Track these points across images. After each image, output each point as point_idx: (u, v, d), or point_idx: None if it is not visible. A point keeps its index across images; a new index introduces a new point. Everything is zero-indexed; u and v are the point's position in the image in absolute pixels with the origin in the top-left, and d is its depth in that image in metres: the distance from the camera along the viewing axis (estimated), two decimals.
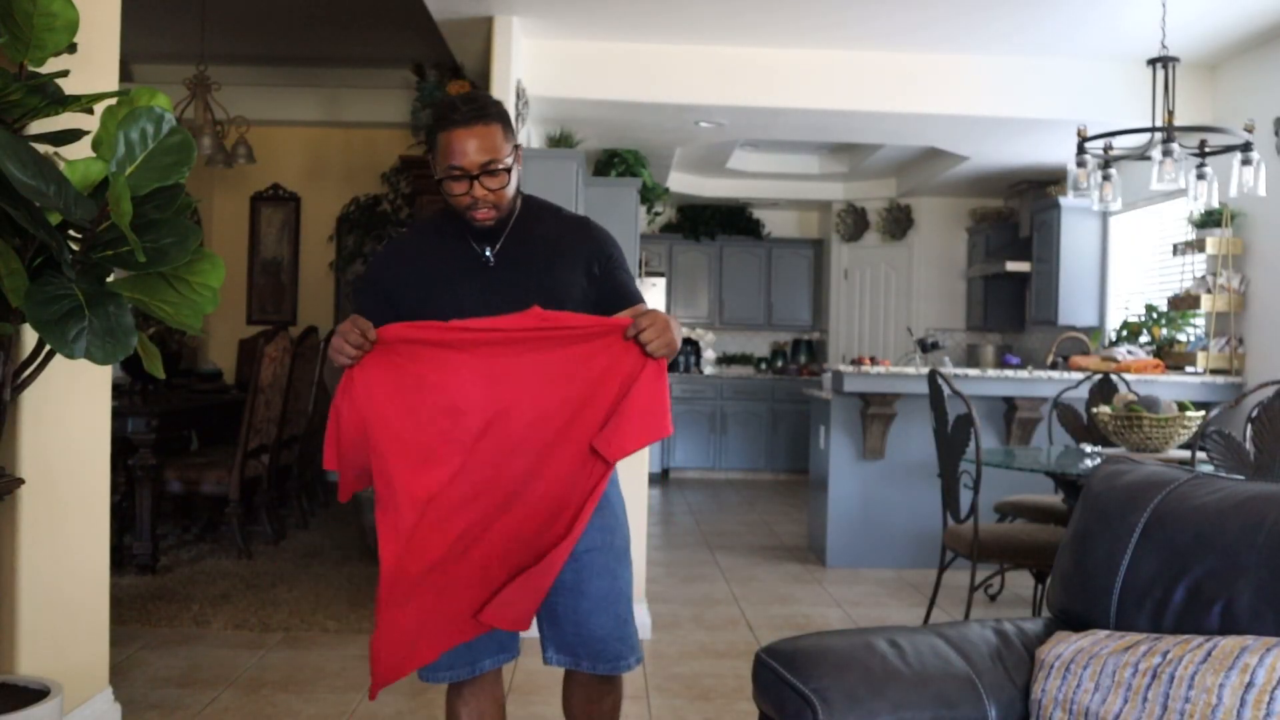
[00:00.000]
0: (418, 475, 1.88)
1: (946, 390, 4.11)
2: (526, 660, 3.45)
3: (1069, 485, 3.96)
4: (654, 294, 9.18)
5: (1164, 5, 4.49)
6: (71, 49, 2.18)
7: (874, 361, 5.96)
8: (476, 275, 2.04)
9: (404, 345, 1.90)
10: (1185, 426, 3.81)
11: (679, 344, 1.91)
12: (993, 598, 5.12)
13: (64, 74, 2.18)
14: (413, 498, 1.87)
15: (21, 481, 2.51)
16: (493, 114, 1.94)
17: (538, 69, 5.52)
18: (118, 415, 4.07)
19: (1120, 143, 4.70)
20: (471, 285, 2.03)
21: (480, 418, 1.89)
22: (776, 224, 10.17)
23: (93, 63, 2.74)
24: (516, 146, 2.00)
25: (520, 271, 2.05)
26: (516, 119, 5.02)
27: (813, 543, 6.15)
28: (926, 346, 7.03)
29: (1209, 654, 1.56)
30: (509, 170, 1.97)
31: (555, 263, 2.07)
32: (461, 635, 1.95)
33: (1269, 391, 3.56)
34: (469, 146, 1.91)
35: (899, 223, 9.26)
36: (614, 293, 2.11)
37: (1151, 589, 1.80)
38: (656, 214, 9.52)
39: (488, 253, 2.05)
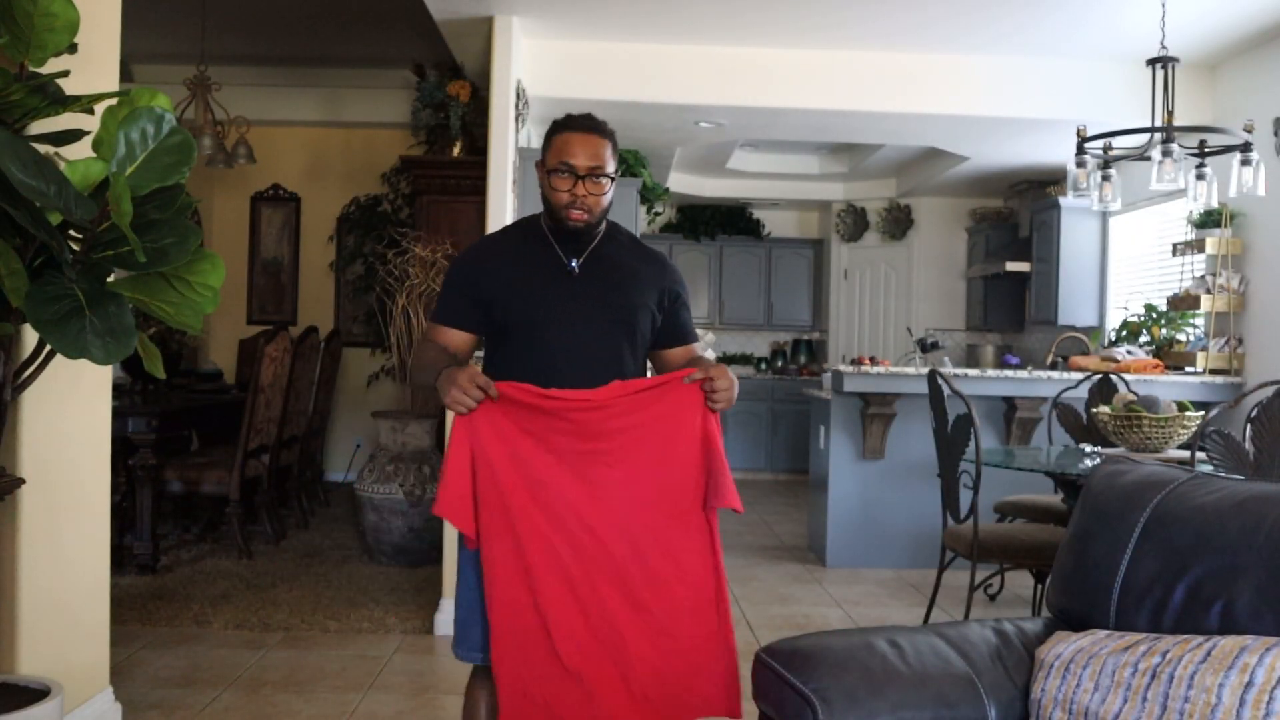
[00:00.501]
0: (521, 519, 2.03)
1: (946, 390, 4.11)
2: None
3: (1069, 485, 3.96)
4: None
5: (1164, 5, 4.48)
6: (72, 49, 2.18)
7: (874, 361, 5.97)
8: (562, 282, 2.21)
9: (507, 401, 2.04)
10: (1185, 426, 3.81)
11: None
12: (992, 598, 5.12)
13: (64, 74, 2.18)
14: (519, 536, 2.03)
15: (22, 481, 2.51)
16: (606, 132, 2.18)
17: (538, 69, 5.52)
18: (118, 415, 4.07)
19: (1120, 143, 4.70)
20: (558, 291, 2.20)
21: (576, 472, 2.05)
22: (776, 224, 10.17)
23: (93, 63, 2.74)
24: (617, 172, 2.19)
25: (601, 285, 2.22)
26: (516, 119, 5.01)
27: (813, 543, 6.15)
28: (926, 346, 7.03)
29: (1208, 654, 1.56)
30: (610, 181, 2.16)
31: (632, 284, 2.25)
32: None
33: (1268, 391, 3.56)
34: (581, 149, 2.12)
35: (899, 223, 9.25)
36: (675, 327, 2.32)
37: (1151, 589, 1.80)
38: (656, 214, 9.52)
39: (574, 263, 2.22)
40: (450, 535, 4.31)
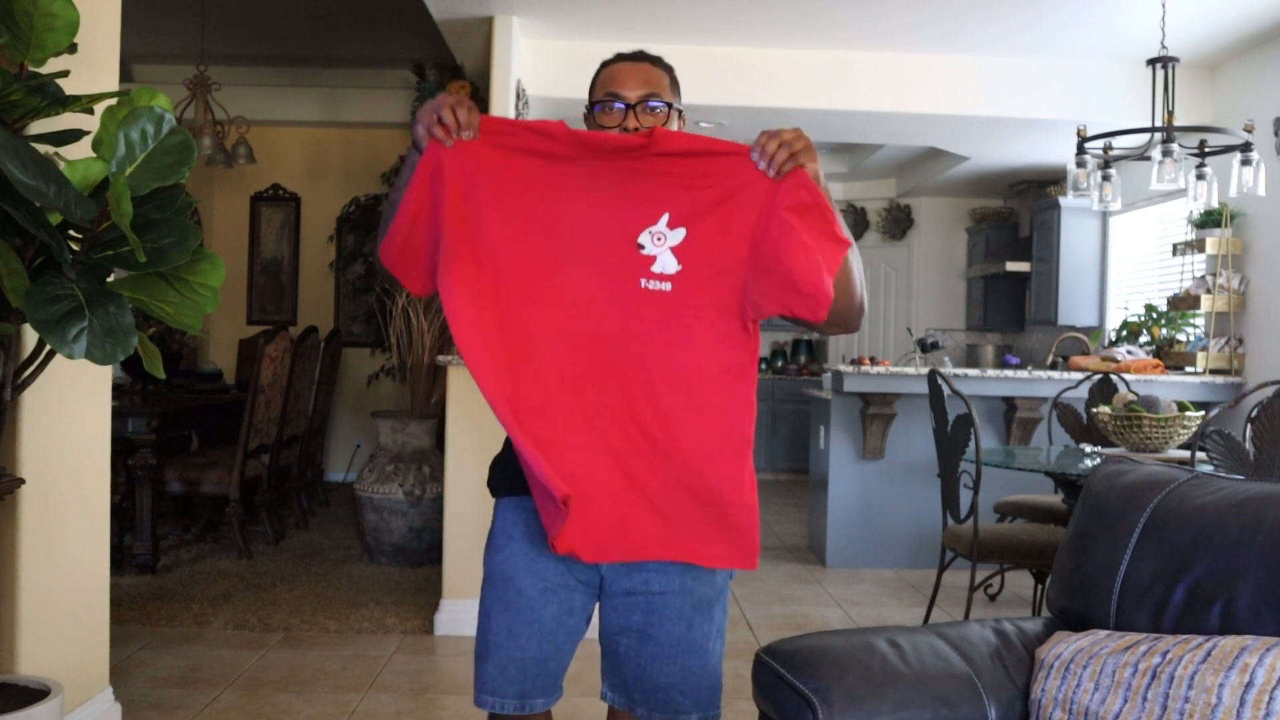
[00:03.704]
0: (516, 290, 1.61)
1: (946, 390, 4.11)
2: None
3: (1069, 485, 3.96)
4: None
5: (1164, 5, 4.49)
6: (72, 49, 2.18)
7: (874, 361, 5.97)
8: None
9: (501, 149, 1.62)
10: (1185, 426, 3.81)
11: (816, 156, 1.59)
12: (993, 598, 5.12)
13: (64, 74, 2.18)
14: (512, 309, 1.62)
15: (21, 481, 2.50)
16: (663, 65, 1.83)
17: (538, 69, 5.52)
18: (118, 415, 4.07)
19: (1120, 143, 4.70)
20: None
21: (590, 236, 1.61)
22: None
23: (93, 63, 2.74)
24: (680, 112, 1.81)
25: None
26: (516, 119, 5.02)
27: (813, 543, 6.15)
28: (926, 346, 7.03)
29: (1209, 654, 1.56)
30: (668, 114, 1.76)
31: None
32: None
33: (1269, 391, 3.56)
34: (631, 78, 1.77)
35: (899, 223, 9.26)
36: None
37: (1151, 589, 1.80)
38: None
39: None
40: (452, 535, 4.30)
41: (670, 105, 1.77)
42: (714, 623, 1.80)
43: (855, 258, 1.73)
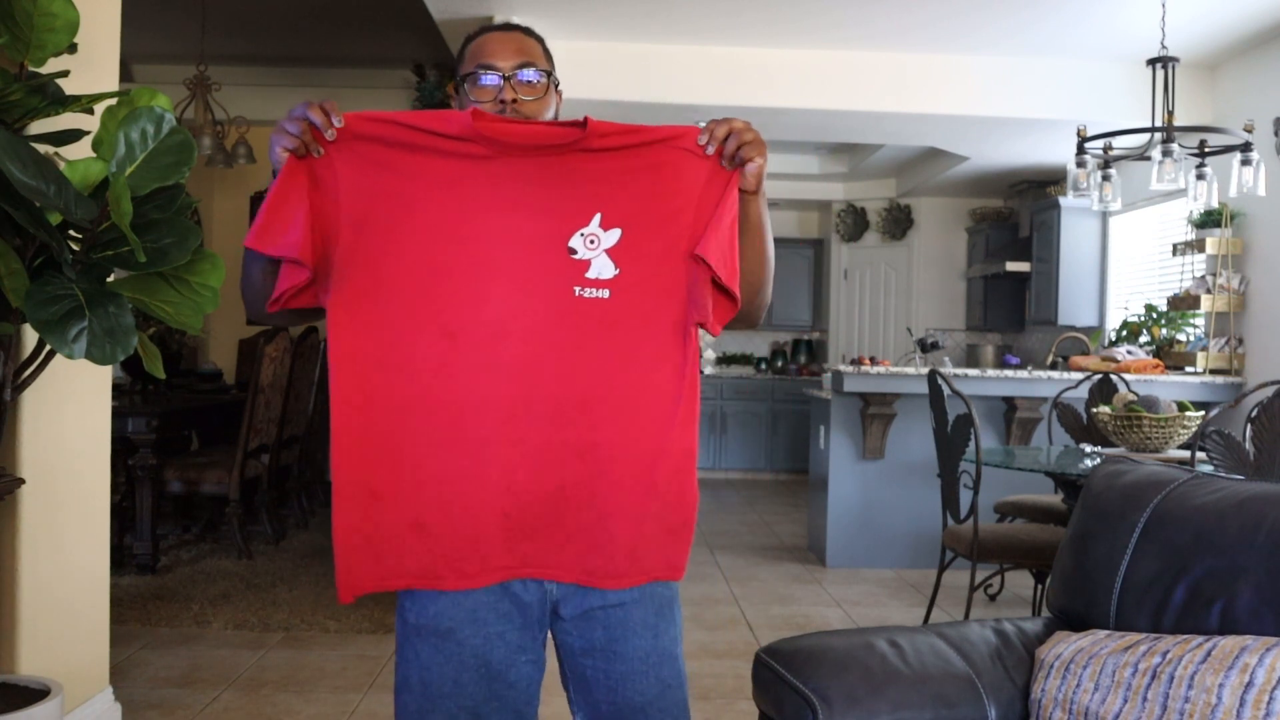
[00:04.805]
0: (429, 324, 1.42)
1: (946, 390, 4.11)
2: None
3: (1069, 485, 3.96)
4: None
5: (1164, 5, 4.49)
6: (72, 49, 2.18)
7: (874, 361, 5.97)
8: None
9: (392, 148, 1.41)
10: (1185, 426, 3.81)
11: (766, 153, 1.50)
12: (993, 598, 5.12)
13: (64, 74, 2.18)
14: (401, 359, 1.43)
15: (21, 481, 2.50)
16: (535, 35, 1.68)
17: None
18: (118, 415, 4.07)
19: (1120, 143, 4.70)
20: None
21: (512, 246, 1.43)
22: (776, 224, 10.16)
23: (93, 63, 2.74)
24: (558, 85, 1.67)
25: None
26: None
27: (813, 543, 6.15)
28: (926, 346, 7.03)
29: (1209, 654, 1.56)
30: (548, 86, 1.61)
31: None
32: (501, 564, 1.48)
33: (1269, 391, 3.56)
34: (503, 47, 1.61)
35: (899, 223, 9.26)
36: None
37: (1151, 589, 1.80)
38: None
39: None
40: None
41: (549, 74, 1.62)
42: (677, 625, 1.67)
43: (770, 257, 1.64)
